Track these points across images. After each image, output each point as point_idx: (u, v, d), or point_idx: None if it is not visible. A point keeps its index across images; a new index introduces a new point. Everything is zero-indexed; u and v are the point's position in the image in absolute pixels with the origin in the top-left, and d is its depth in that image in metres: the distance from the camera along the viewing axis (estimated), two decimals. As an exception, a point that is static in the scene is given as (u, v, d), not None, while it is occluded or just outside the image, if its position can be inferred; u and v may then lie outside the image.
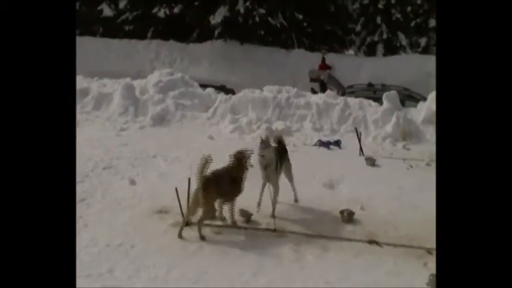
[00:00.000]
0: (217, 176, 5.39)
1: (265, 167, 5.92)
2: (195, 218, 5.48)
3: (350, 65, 23.74)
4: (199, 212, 5.36)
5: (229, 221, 5.64)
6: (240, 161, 5.61)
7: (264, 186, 6.06)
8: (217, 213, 5.61)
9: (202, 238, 5.28)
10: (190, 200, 5.44)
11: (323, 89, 19.05)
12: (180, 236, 5.29)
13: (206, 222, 5.40)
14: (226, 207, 5.66)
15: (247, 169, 5.66)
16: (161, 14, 25.96)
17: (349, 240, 5.45)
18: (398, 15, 28.45)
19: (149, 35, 26.62)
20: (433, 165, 7.64)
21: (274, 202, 5.93)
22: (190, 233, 5.31)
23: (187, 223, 5.49)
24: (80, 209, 5.88)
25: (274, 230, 5.54)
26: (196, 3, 25.59)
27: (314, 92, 16.22)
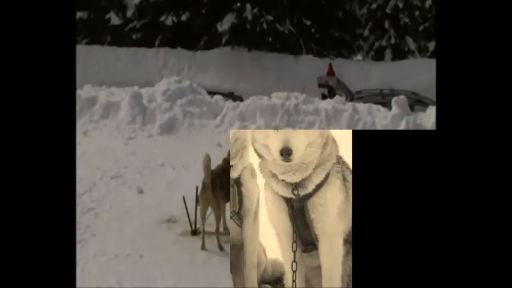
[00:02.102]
0: (217, 173, 5.27)
1: None
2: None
3: (358, 70, 23.66)
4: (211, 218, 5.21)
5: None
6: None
7: None
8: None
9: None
10: (200, 204, 5.22)
11: (331, 94, 19.00)
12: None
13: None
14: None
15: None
16: (169, 21, 25.96)
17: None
18: (407, 20, 28.32)
19: (157, 43, 26.68)
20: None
21: None
22: (199, 242, 5.25)
23: (195, 232, 5.45)
24: (88, 219, 5.87)
25: None
26: (203, 10, 25.61)
27: (324, 97, 16.21)
